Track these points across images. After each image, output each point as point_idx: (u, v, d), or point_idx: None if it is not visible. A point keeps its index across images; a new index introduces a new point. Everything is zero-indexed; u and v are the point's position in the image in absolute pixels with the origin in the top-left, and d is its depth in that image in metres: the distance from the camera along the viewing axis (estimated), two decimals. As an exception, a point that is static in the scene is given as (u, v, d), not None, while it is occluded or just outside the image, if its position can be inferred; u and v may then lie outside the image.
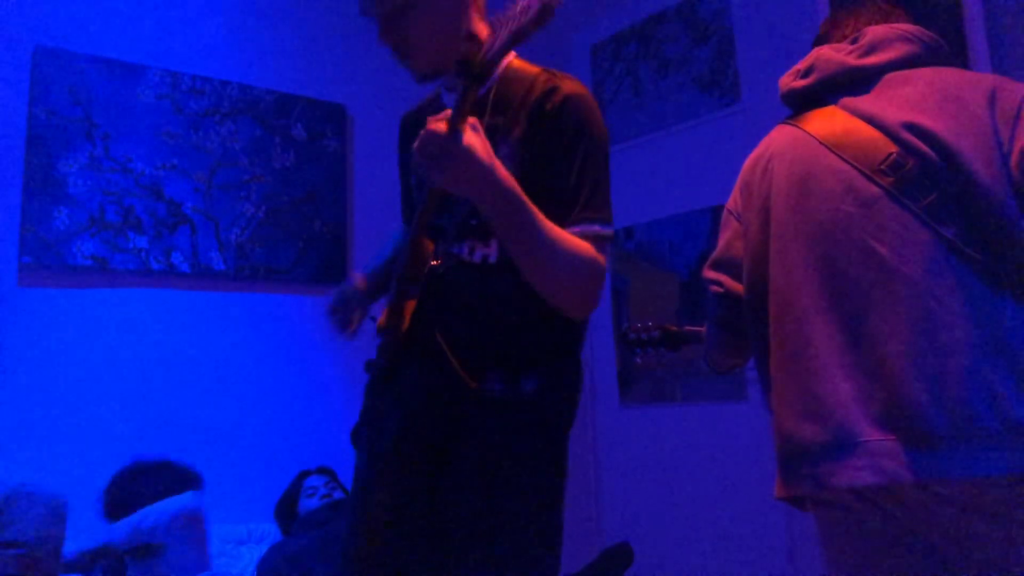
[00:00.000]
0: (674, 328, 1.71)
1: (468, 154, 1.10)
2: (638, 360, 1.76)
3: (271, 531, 2.81)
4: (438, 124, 1.10)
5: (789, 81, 1.43)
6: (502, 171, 1.15)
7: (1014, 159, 1.16)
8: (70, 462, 2.59)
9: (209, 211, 2.99)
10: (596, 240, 1.28)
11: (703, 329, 1.67)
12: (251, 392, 3.00)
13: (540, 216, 1.20)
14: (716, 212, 3.34)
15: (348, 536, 1.36)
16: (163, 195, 2.90)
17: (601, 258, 1.28)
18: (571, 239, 1.25)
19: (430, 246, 1.32)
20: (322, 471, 2.92)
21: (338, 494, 2.79)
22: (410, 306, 1.30)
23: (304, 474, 2.89)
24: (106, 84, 2.83)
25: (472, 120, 1.13)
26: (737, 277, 1.46)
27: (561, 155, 1.28)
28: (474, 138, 1.11)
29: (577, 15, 3.99)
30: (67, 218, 2.69)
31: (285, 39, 3.30)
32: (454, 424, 1.32)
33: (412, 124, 1.55)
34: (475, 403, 1.30)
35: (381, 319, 1.38)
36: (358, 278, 1.59)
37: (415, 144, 1.12)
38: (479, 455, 1.29)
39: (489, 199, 1.16)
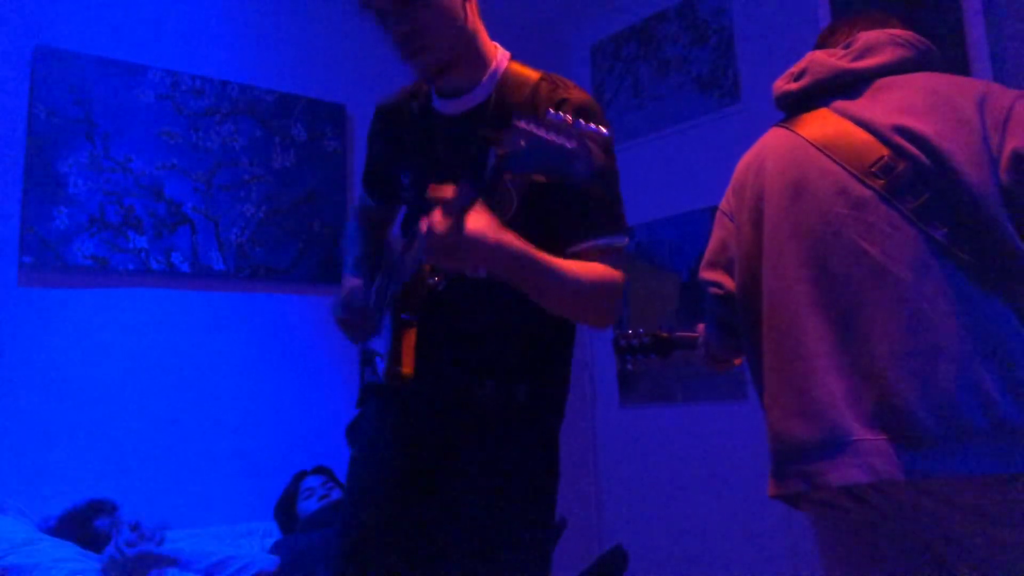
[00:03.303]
0: (664, 334, 1.71)
1: (477, 243, 1.04)
2: (629, 367, 1.76)
3: (271, 529, 2.82)
4: (437, 217, 1.02)
5: (782, 84, 1.44)
6: (509, 240, 1.10)
7: (1003, 163, 1.16)
8: (70, 462, 2.60)
9: (209, 211, 3.00)
10: (611, 252, 1.27)
11: (694, 334, 1.67)
12: (251, 392, 3.00)
13: (551, 260, 1.17)
14: (716, 212, 3.34)
15: (339, 539, 1.36)
16: (163, 195, 2.91)
17: (616, 271, 1.27)
18: (584, 267, 1.23)
19: (426, 266, 1.30)
20: (318, 471, 2.92)
21: (336, 493, 2.80)
22: (412, 337, 1.27)
23: (301, 475, 2.90)
24: (106, 84, 2.83)
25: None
26: (734, 276, 1.46)
27: None
28: (479, 221, 1.05)
29: (577, 15, 3.99)
30: (67, 218, 2.69)
31: (285, 39, 3.31)
32: (450, 435, 1.32)
33: (388, 115, 1.50)
34: (470, 413, 1.31)
35: (388, 358, 1.33)
36: (351, 282, 1.52)
37: (421, 242, 1.06)
38: (474, 466, 1.30)
39: (502, 271, 1.13)
